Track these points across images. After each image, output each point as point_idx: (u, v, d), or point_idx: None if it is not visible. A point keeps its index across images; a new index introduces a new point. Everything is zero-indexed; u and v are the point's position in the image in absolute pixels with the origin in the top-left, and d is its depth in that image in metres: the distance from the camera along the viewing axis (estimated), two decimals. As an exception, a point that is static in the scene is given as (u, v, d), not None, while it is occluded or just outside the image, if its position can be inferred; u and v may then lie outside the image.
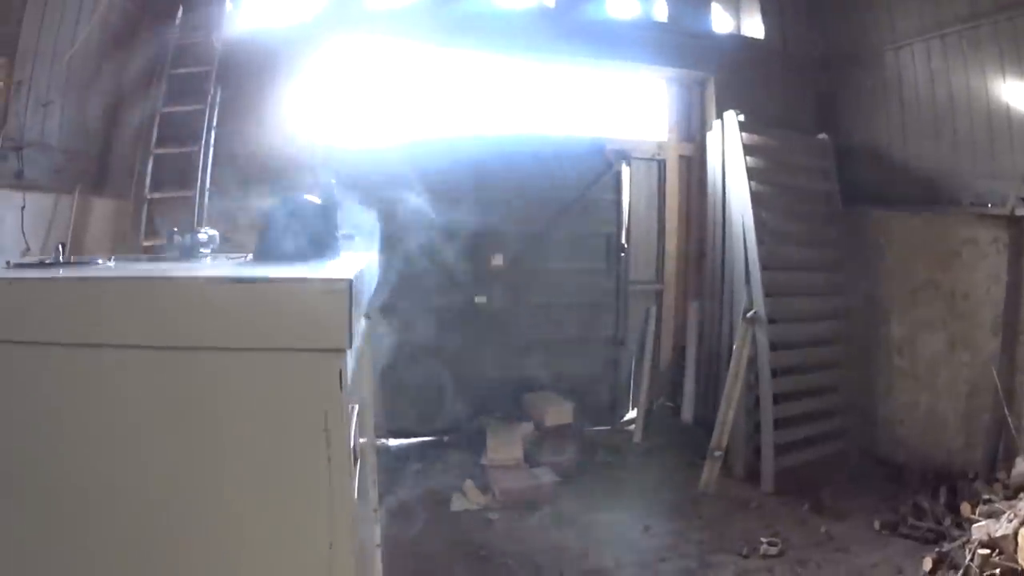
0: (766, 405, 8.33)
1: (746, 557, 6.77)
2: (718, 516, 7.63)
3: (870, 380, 9.18)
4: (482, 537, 7.12)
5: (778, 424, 8.34)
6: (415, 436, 9.04)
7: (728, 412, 8.26)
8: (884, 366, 9.08)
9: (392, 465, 7.81)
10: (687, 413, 9.63)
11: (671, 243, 10.33)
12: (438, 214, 8.47)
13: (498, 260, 9.24)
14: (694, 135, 10.34)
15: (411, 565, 6.39)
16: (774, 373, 8.37)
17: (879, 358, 9.12)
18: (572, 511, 7.66)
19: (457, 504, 7.70)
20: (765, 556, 6.77)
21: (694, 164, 10.28)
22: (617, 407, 9.89)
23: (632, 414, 9.88)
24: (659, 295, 10.23)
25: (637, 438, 9.47)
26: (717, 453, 8.17)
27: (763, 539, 6.95)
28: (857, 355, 9.21)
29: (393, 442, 8.82)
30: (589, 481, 8.35)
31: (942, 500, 7.37)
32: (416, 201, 8.33)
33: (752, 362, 8.42)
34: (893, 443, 8.87)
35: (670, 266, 10.30)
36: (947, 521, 6.96)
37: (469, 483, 7.89)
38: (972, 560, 5.70)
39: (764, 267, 8.45)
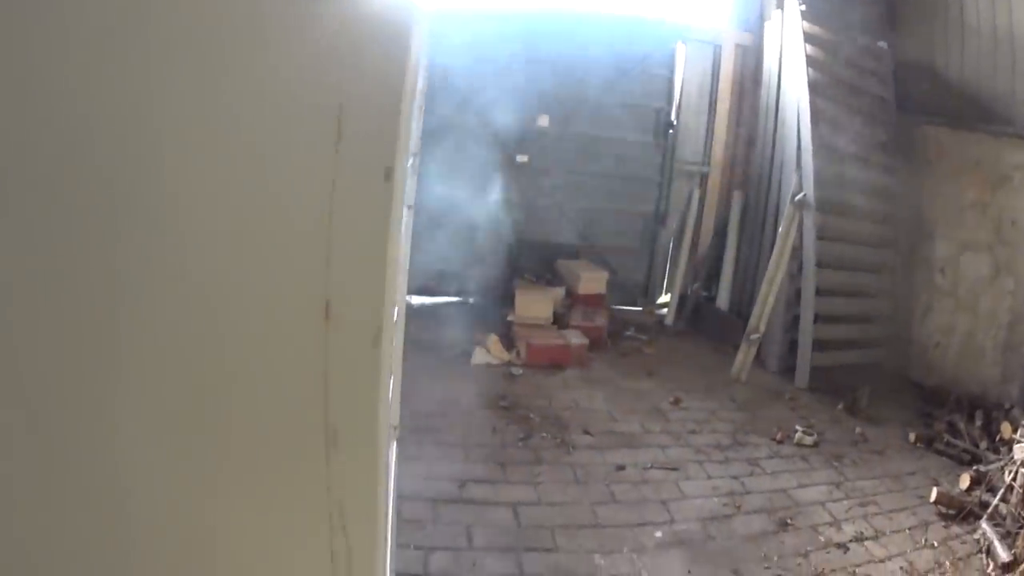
0: (807, 296, 7.73)
1: (780, 442, 6.25)
2: (750, 401, 7.09)
3: (909, 297, 8.52)
4: (504, 389, 6.61)
5: (817, 319, 7.75)
6: (441, 295, 8.49)
7: (768, 296, 7.67)
8: (924, 284, 8.41)
9: (413, 321, 7.27)
10: (723, 301, 9.00)
11: (720, 128, 9.61)
12: (486, 73, 7.90)
13: (543, 121, 8.56)
14: (751, 26, 9.53)
15: (428, 409, 5.95)
16: (818, 265, 7.73)
17: (920, 275, 8.45)
18: (600, 377, 7.14)
19: (479, 358, 7.16)
20: (800, 444, 6.25)
21: (749, 54, 9.52)
22: (651, 287, 9.32)
23: (665, 298, 9.28)
24: (704, 178, 9.53)
25: (669, 320, 8.90)
26: (754, 336, 7.60)
27: (798, 427, 6.41)
28: (899, 268, 8.54)
29: (416, 300, 8.26)
30: (618, 353, 7.83)
31: (978, 424, 6.80)
32: (464, 60, 7.75)
33: (795, 252, 7.81)
34: (926, 366, 8.25)
35: (718, 151, 9.59)
36: (983, 445, 6.42)
37: (493, 337, 7.32)
38: (1015, 479, 5.21)
39: (816, 153, 7.78)
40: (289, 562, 1.33)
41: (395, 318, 1.37)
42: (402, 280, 2.51)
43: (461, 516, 4.64)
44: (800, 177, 7.82)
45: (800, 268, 7.84)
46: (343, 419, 1.25)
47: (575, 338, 7.43)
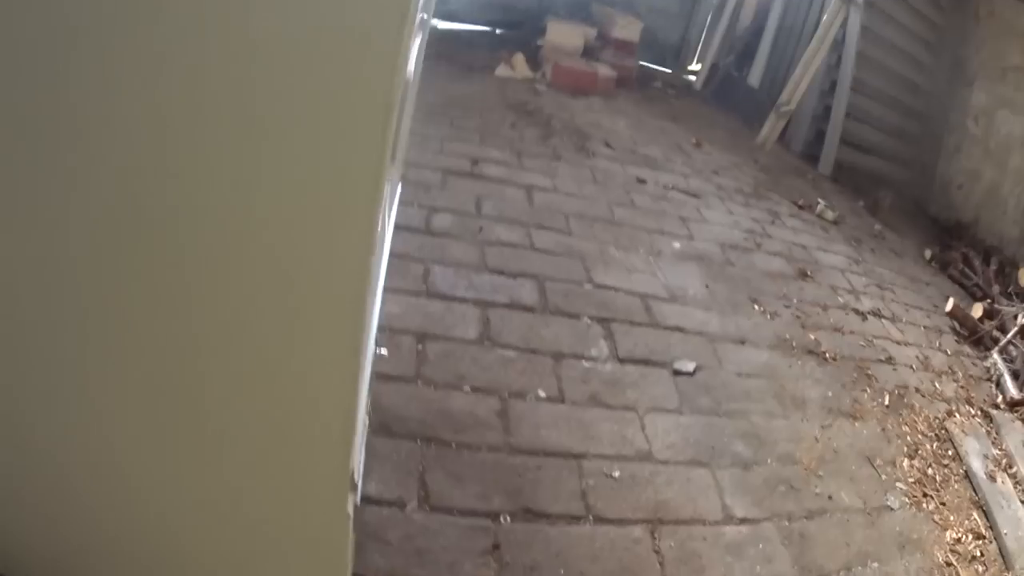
0: (842, 87, 7.10)
1: (801, 208, 5.73)
2: (773, 167, 6.53)
3: (939, 133, 7.88)
4: (527, 99, 6.00)
5: (848, 116, 7.15)
6: (469, 23, 7.66)
7: (804, 75, 7.01)
8: (956, 125, 7.78)
9: (437, 42, 6.50)
10: (755, 78, 8.23)
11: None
12: None
13: None
14: None
15: (446, 102, 5.34)
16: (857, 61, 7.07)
17: (953, 116, 7.80)
18: (624, 109, 6.52)
19: (502, 71, 6.47)
20: (821, 217, 5.73)
21: None
22: (683, 52, 8.56)
23: (696, 67, 8.51)
24: (754, -41, 8.58)
25: (698, 85, 8.19)
26: (784, 109, 6.98)
27: (820, 201, 5.87)
28: (934, 100, 7.84)
29: (443, 24, 7.42)
30: (644, 97, 7.16)
31: (992, 268, 6.29)
32: None
33: (836, 46, 7.10)
34: (947, 204, 7.72)
35: (771, -64, 8.59)
36: (995, 289, 5.90)
37: (519, 55, 6.62)
38: (1028, 324, 4.82)
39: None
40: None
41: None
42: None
43: (472, 187, 4.10)
44: (853, -28, 7.00)
45: (839, 61, 7.15)
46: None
47: (604, 69, 6.74)
